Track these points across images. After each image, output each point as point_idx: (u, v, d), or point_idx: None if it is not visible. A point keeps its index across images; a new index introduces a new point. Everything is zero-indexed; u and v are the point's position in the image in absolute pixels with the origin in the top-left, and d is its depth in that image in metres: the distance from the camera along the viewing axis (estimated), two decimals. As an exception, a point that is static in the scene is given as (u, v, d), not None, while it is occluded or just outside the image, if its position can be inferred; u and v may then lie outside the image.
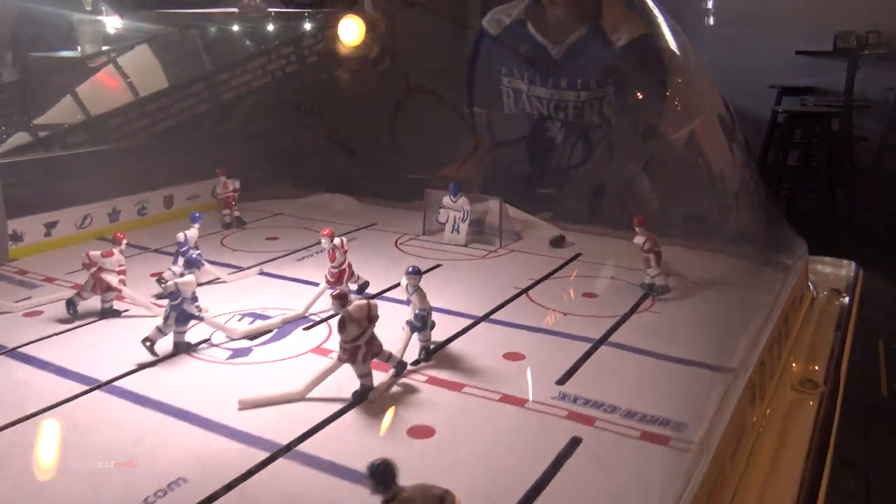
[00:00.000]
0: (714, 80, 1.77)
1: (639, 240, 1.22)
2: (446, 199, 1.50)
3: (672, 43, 1.42)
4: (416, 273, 0.98)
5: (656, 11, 1.53)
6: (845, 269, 1.37)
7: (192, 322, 1.02)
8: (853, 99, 6.04)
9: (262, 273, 1.36)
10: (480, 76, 1.85)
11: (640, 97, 1.73)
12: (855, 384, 1.07)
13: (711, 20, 7.59)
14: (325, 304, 1.08)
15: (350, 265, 1.21)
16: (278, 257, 1.45)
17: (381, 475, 0.55)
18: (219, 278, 1.30)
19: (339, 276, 1.19)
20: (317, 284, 1.20)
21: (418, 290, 0.98)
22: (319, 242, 1.20)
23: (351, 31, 1.83)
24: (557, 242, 1.50)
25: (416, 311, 0.98)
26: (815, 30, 7.01)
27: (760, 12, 7.29)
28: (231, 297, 1.23)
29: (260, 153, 1.96)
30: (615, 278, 1.30)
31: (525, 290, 1.24)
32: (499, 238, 1.50)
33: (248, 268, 1.38)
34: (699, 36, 7.67)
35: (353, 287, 1.23)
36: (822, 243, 4.27)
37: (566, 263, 1.40)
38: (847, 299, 1.19)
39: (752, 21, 7.36)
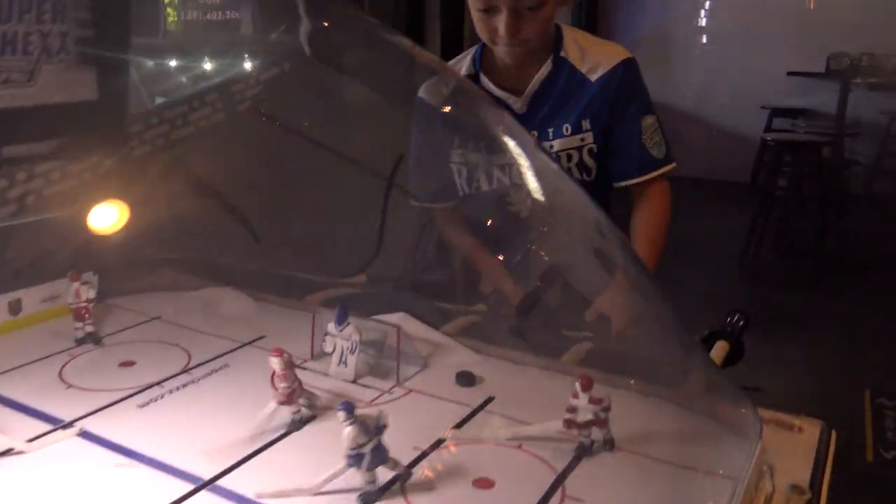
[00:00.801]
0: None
1: (582, 407, 0.96)
2: (331, 326, 1.23)
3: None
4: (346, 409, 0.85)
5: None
6: (810, 439, 1.07)
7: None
8: (845, 125, 5.78)
9: (82, 434, 1.05)
10: (424, 159, 1.56)
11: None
12: None
13: (703, 38, 7.35)
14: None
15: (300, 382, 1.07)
16: (120, 399, 1.16)
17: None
18: (12, 449, 1.00)
19: (291, 394, 1.05)
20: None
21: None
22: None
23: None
24: (466, 380, 1.22)
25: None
26: (808, 51, 6.79)
27: (753, 31, 7.08)
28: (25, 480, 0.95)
29: (151, 230, 1.67)
30: (525, 450, 1.02)
31: (403, 476, 0.95)
32: (396, 374, 1.22)
33: (60, 427, 1.07)
34: (690, 54, 7.45)
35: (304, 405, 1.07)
36: (814, 279, 4.01)
37: (472, 415, 1.12)
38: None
39: (744, 40, 7.14)
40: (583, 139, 1.45)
